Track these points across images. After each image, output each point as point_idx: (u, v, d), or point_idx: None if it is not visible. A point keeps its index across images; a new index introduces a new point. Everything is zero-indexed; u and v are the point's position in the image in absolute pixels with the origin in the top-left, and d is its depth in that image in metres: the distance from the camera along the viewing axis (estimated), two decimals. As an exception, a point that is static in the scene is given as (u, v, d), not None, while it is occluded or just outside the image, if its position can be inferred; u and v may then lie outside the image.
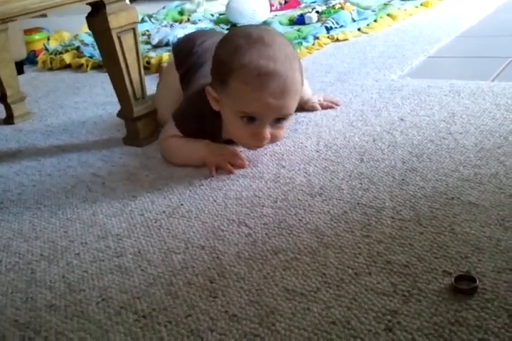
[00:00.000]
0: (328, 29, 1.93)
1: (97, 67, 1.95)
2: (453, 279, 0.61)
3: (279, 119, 0.94)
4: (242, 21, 2.14)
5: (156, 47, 2.00)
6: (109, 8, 1.03)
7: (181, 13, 2.66)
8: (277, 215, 0.81)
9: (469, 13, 2.08)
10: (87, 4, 1.03)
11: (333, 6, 2.15)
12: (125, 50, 1.07)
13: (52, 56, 2.08)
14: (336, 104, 1.22)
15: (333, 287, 0.64)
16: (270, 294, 0.64)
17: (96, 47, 1.20)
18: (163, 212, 0.87)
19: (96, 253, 0.78)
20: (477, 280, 0.60)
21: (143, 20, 2.48)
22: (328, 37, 1.89)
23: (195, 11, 2.61)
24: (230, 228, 0.79)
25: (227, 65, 0.91)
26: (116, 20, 1.04)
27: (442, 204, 0.78)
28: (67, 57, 2.04)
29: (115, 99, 1.16)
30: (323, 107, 1.21)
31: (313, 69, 1.57)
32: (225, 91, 0.93)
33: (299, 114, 1.20)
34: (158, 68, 1.61)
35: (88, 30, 1.69)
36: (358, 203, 0.81)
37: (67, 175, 1.06)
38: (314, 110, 1.21)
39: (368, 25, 2.00)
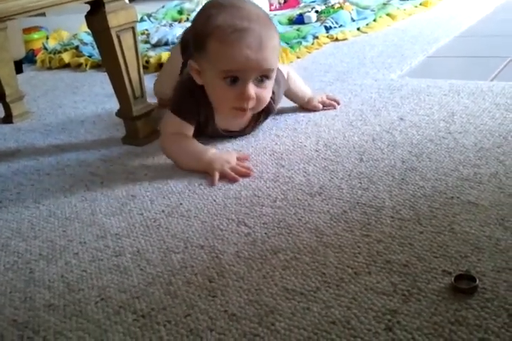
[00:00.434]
0: (328, 29, 1.94)
1: (96, 66, 1.95)
2: (453, 278, 0.61)
3: (262, 78, 0.94)
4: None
5: (155, 46, 2.00)
6: (108, 7, 1.03)
7: (180, 12, 2.67)
8: (277, 215, 0.80)
9: (468, 13, 2.08)
10: (86, 3, 1.03)
11: (333, 5, 2.16)
12: (124, 49, 1.07)
13: (51, 55, 2.08)
14: (338, 103, 1.22)
15: (333, 286, 0.64)
16: (270, 293, 0.64)
17: (95, 46, 1.21)
18: (163, 211, 0.86)
19: (95, 252, 0.77)
20: (477, 280, 0.60)
21: (142, 20, 2.48)
22: (327, 36, 1.89)
23: (194, 10, 2.61)
24: (230, 227, 0.79)
25: (203, 31, 0.93)
26: (115, 19, 1.04)
27: (442, 203, 0.78)
28: (66, 57, 2.03)
29: (114, 98, 1.15)
30: (326, 105, 1.21)
31: (313, 68, 1.57)
32: (205, 57, 0.94)
33: (298, 113, 1.21)
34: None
35: (87, 29, 1.70)
36: (358, 202, 0.81)
37: (66, 174, 1.06)
38: (316, 110, 1.21)
39: (367, 24, 2.00)
